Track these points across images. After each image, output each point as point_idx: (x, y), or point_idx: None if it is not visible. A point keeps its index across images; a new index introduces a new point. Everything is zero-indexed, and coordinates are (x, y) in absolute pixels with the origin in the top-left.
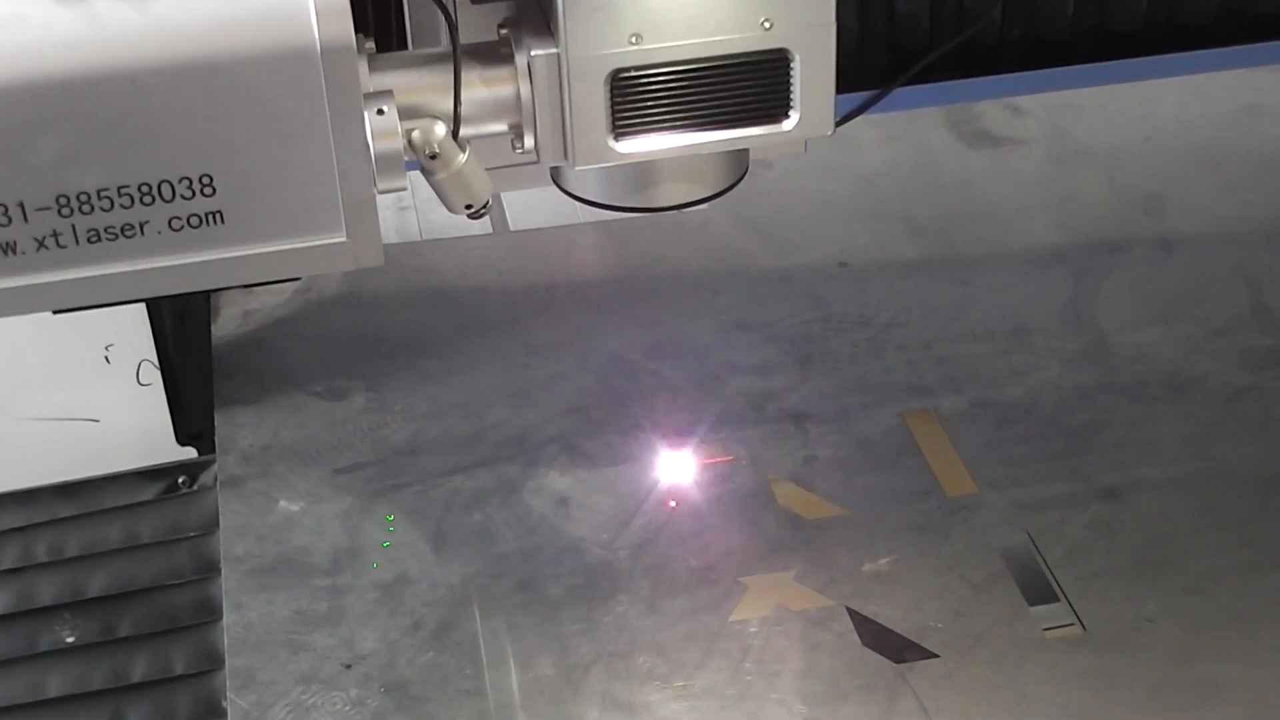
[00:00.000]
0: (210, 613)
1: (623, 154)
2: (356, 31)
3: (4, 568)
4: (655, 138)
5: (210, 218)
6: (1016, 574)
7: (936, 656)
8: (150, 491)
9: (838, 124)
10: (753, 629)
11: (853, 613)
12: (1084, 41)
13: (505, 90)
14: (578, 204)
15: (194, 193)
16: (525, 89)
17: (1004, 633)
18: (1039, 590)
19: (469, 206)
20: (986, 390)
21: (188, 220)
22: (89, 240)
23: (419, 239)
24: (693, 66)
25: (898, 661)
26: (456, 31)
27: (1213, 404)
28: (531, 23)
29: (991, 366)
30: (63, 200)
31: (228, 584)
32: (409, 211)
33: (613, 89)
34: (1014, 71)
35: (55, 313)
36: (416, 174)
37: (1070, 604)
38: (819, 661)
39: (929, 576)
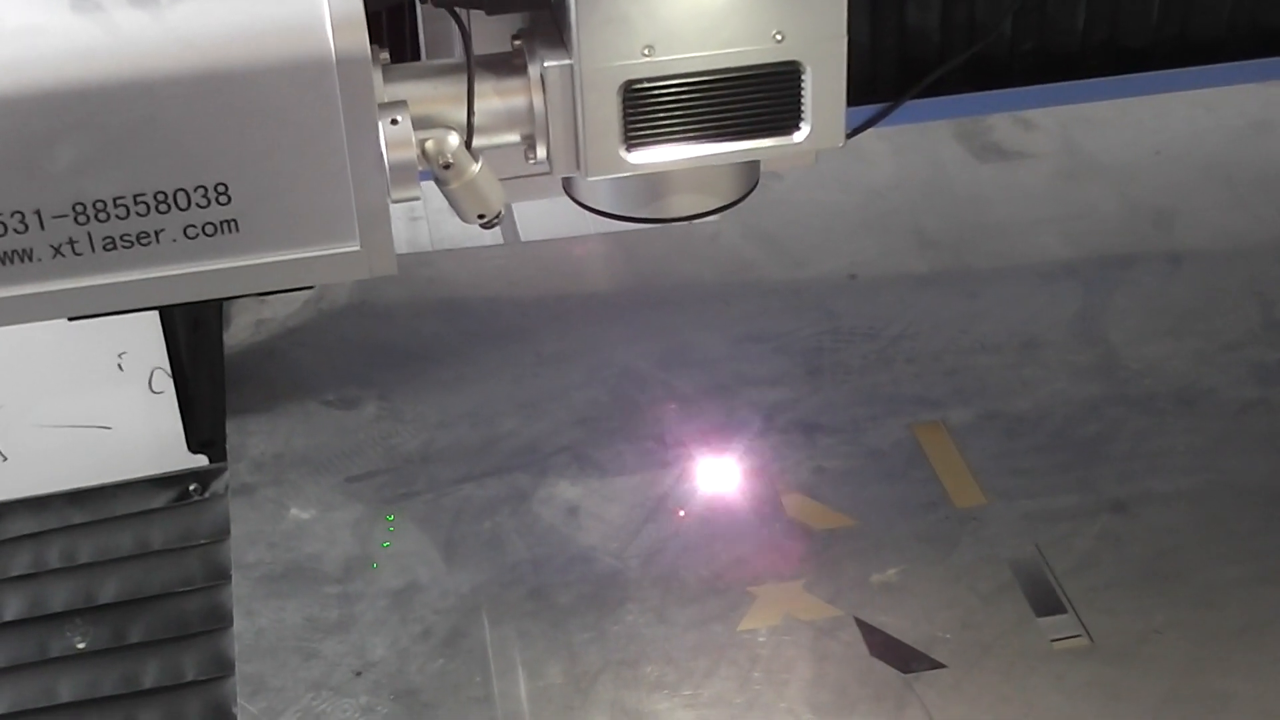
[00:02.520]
0: (221, 619)
1: (635, 165)
2: (371, 42)
3: (16, 574)
4: (667, 149)
5: (225, 226)
6: (1025, 585)
7: (944, 667)
8: (162, 499)
9: (848, 136)
10: (761, 639)
11: (861, 623)
12: (1095, 55)
13: (518, 101)
14: (589, 215)
15: (209, 201)
16: (538, 100)
17: (1012, 644)
18: (1047, 602)
19: (481, 216)
20: (995, 402)
21: (203, 229)
22: (105, 248)
23: (430, 249)
24: (705, 78)
25: (906, 672)
26: (470, 42)
27: (1222, 417)
28: (545, 34)
29: (1001, 379)
30: (79, 208)
31: (239, 591)
32: (420, 222)
33: (625, 100)
34: (1024, 85)
35: (70, 320)
36: (428, 185)
37: (1078, 615)
38: (827, 671)
39: (937, 587)
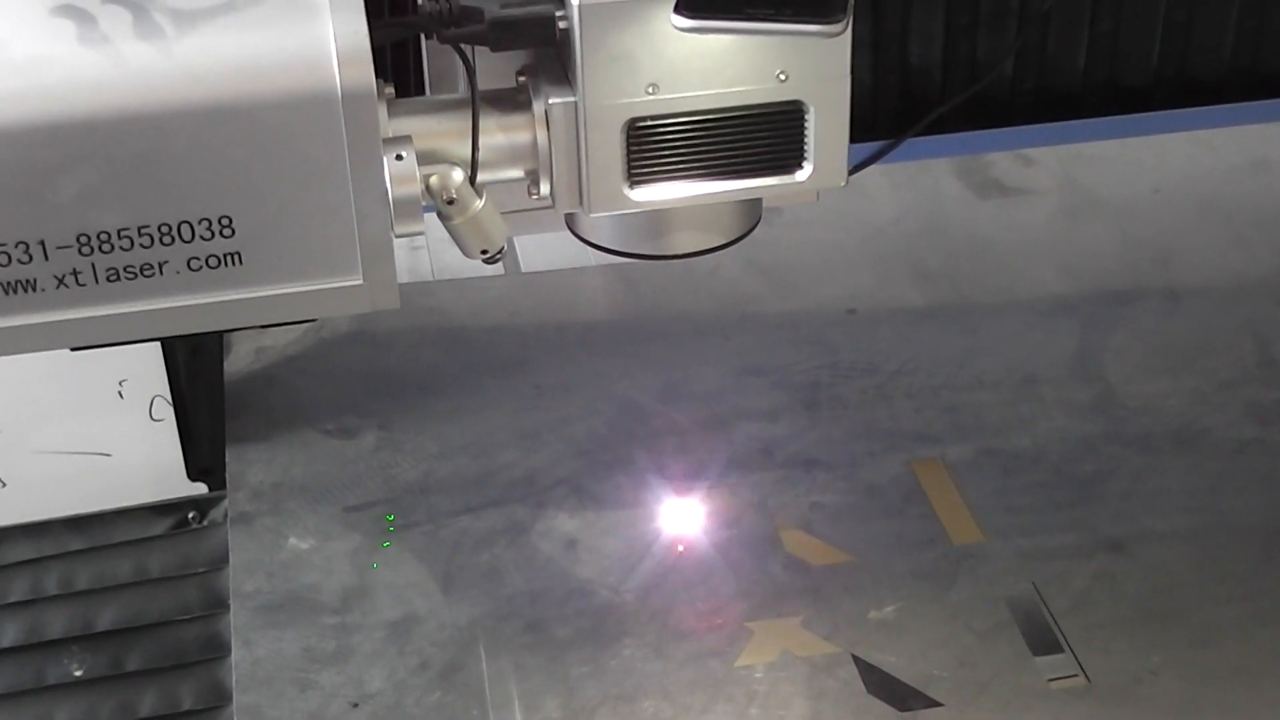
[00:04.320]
0: (218, 649)
1: (638, 202)
2: (376, 77)
3: (13, 600)
4: (670, 186)
5: (229, 259)
6: (1021, 624)
7: (941, 705)
8: (160, 527)
9: (850, 174)
10: (758, 675)
11: (858, 660)
12: (1095, 95)
13: (522, 137)
14: (590, 247)
15: (213, 234)
16: (542, 136)
17: (1008, 682)
18: (1044, 640)
19: (484, 251)
20: (993, 439)
21: (206, 261)
22: (108, 279)
23: (431, 279)
24: (708, 117)
25: (902, 710)
26: (475, 78)
27: (1219, 457)
28: (550, 71)
29: (999, 416)
30: (83, 239)
31: (236, 620)
32: (421, 251)
33: (629, 138)
34: (1025, 124)
35: (73, 350)
36: (428, 214)
37: (1075, 655)
38: (824, 709)
39: (934, 625)
